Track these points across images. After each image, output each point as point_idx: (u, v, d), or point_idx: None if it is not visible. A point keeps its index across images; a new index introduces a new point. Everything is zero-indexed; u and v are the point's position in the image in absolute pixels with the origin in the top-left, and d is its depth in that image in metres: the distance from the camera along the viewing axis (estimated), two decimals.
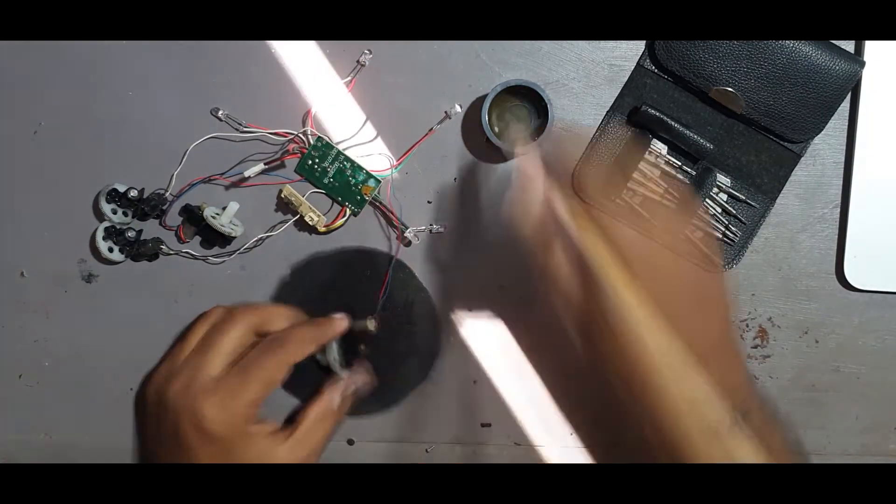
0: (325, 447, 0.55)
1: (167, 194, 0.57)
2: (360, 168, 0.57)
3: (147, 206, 0.57)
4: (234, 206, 0.56)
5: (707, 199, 0.58)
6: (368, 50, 0.57)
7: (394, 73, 0.58)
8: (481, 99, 0.57)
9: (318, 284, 0.58)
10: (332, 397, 0.54)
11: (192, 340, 0.54)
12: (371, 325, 0.56)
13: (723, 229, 0.58)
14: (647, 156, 0.58)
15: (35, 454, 0.59)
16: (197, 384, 0.51)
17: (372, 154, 0.58)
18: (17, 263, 0.59)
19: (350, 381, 0.56)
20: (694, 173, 0.58)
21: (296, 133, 0.57)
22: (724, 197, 0.58)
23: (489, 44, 0.58)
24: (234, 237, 0.57)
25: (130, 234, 0.56)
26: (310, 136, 0.57)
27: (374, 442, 0.59)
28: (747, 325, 0.59)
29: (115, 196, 0.56)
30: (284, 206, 0.57)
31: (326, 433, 0.54)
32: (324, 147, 0.57)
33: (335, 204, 0.58)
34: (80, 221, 0.58)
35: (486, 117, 0.54)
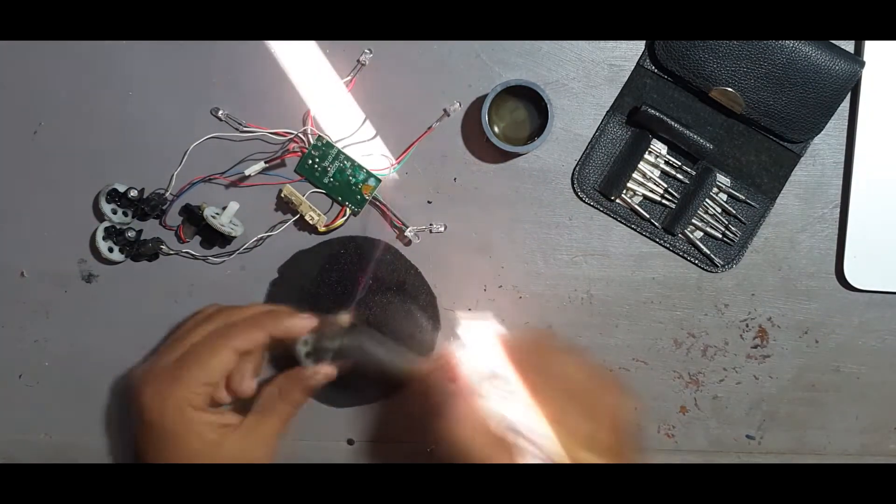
0: (277, 436, 0.52)
1: (167, 194, 0.57)
2: (360, 167, 0.57)
3: (147, 206, 0.57)
4: (233, 206, 0.56)
5: (707, 199, 0.58)
6: (369, 49, 0.57)
7: (394, 73, 0.58)
8: (481, 99, 0.57)
9: (309, 279, 0.58)
10: (284, 385, 0.52)
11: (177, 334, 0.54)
12: (344, 319, 0.55)
13: (723, 229, 0.58)
14: (647, 156, 0.58)
15: (35, 454, 0.59)
16: (153, 370, 0.51)
17: (372, 153, 0.58)
18: (17, 263, 0.59)
19: (306, 373, 0.52)
20: (694, 173, 0.58)
21: (296, 133, 0.57)
22: (724, 197, 0.58)
23: (489, 44, 0.58)
24: (234, 237, 0.57)
25: (130, 234, 0.56)
26: (310, 136, 0.57)
27: (374, 442, 0.59)
28: (747, 325, 0.59)
29: (115, 196, 0.56)
30: (284, 205, 0.57)
31: (277, 422, 0.52)
32: (324, 146, 0.57)
33: (335, 204, 0.58)
34: (80, 221, 0.58)
35: (486, 117, 0.54)
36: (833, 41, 0.55)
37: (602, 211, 0.58)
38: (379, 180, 0.57)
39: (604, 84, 0.58)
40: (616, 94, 0.58)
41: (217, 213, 0.56)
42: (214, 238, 0.57)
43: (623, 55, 0.58)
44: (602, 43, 0.58)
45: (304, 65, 0.57)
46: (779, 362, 0.60)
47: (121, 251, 0.57)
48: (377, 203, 0.58)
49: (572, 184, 0.58)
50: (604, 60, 0.58)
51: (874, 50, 0.57)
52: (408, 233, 0.57)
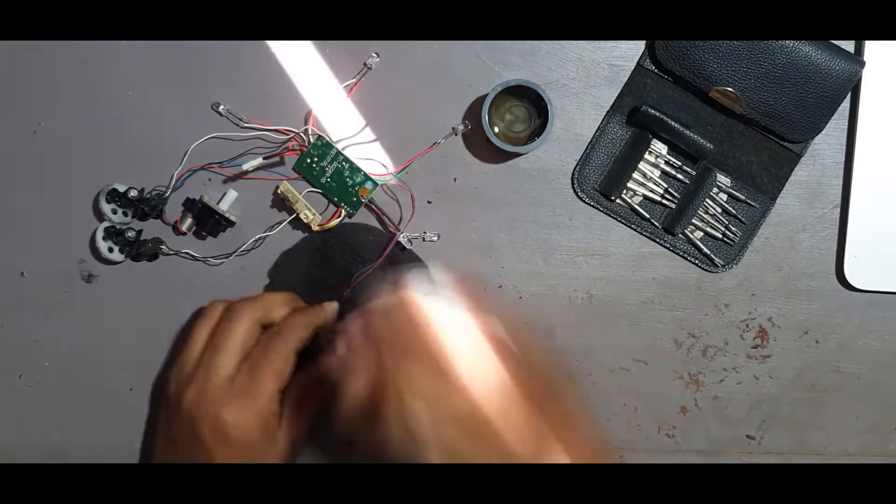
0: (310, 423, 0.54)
1: (167, 194, 0.57)
2: (359, 169, 0.57)
3: (147, 206, 0.57)
4: (232, 194, 0.57)
5: (707, 199, 0.58)
6: (376, 53, 0.57)
7: (394, 73, 0.58)
8: (481, 99, 0.57)
9: (298, 276, 0.58)
10: (310, 377, 0.53)
11: (198, 340, 0.54)
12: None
13: (723, 229, 0.58)
14: (647, 156, 0.58)
15: (35, 454, 0.59)
16: (212, 389, 0.51)
17: (370, 154, 0.58)
18: (17, 263, 0.59)
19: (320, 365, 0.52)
20: (694, 173, 0.58)
21: (296, 131, 0.57)
22: (724, 197, 0.58)
23: (489, 44, 0.58)
24: (234, 222, 0.57)
25: (130, 234, 0.56)
26: (310, 135, 0.57)
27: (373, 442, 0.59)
28: (747, 325, 0.59)
29: (115, 196, 0.56)
30: (280, 202, 0.57)
31: (311, 411, 0.54)
32: (323, 146, 0.57)
33: (331, 205, 0.58)
34: (80, 221, 0.58)
35: (486, 117, 0.54)
36: (833, 41, 0.55)
37: (602, 211, 0.58)
38: (376, 184, 0.57)
39: (604, 84, 0.58)
40: (616, 94, 0.58)
41: (215, 200, 0.56)
42: (211, 225, 0.57)
43: (623, 55, 0.58)
44: (602, 43, 0.58)
45: (306, 66, 0.57)
46: (779, 362, 0.60)
47: (121, 251, 0.57)
48: (373, 207, 0.57)
49: (572, 184, 0.58)
50: (604, 60, 0.58)
51: (874, 50, 0.57)
52: (401, 237, 0.57)
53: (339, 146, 0.57)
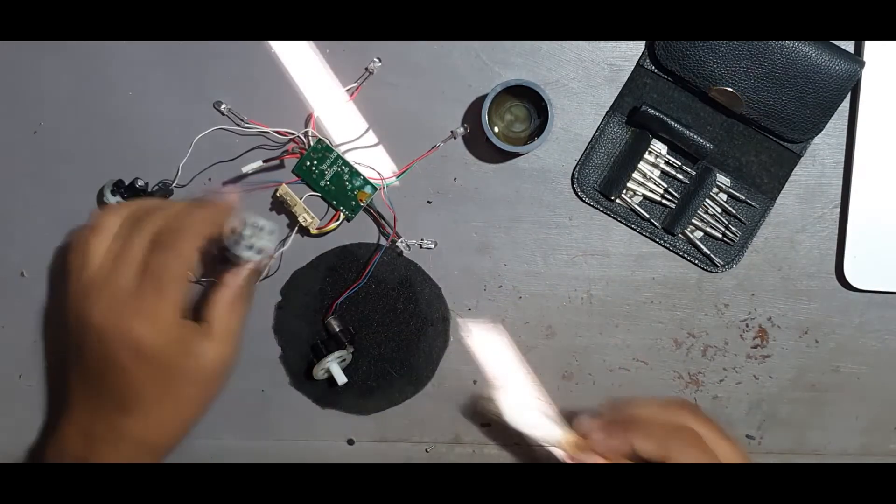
0: (241, 335, 0.51)
1: (173, 185, 0.57)
2: (358, 174, 0.57)
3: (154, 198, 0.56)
4: (268, 226, 0.52)
5: (707, 199, 0.58)
6: (378, 58, 0.57)
7: (394, 74, 0.58)
8: (481, 99, 0.57)
9: (311, 295, 0.58)
10: (235, 282, 0.50)
11: (93, 254, 0.49)
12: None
13: (723, 229, 0.58)
14: (646, 156, 0.58)
15: (35, 454, 0.59)
16: (120, 304, 0.47)
17: (371, 154, 0.58)
18: (17, 263, 0.59)
19: (249, 265, 0.51)
20: (694, 173, 0.58)
21: (296, 133, 0.57)
22: (724, 197, 0.58)
23: (489, 44, 0.58)
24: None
25: (140, 182, 0.56)
26: (310, 138, 0.57)
27: (374, 442, 0.59)
28: (747, 325, 0.59)
29: (120, 187, 0.56)
30: (279, 205, 0.57)
31: (239, 322, 0.51)
32: (323, 149, 0.56)
33: (330, 208, 0.58)
34: (81, 221, 0.58)
35: (486, 117, 0.54)
36: (833, 41, 0.55)
37: (602, 211, 0.58)
38: (375, 188, 0.57)
39: (604, 84, 0.58)
40: (616, 94, 0.58)
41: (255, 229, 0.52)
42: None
43: (623, 55, 0.58)
44: (602, 43, 0.58)
45: (307, 66, 0.57)
46: (779, 362, 0.60)
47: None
48: (371, 211, 0.57)
49: (572, 184, 0.58)
50: (604, 60, 0.58)
51: (874, 50, 0.57)
52: (399, 243, 0.57)
53: (340, 149, 0.57)
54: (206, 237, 0.49)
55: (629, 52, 0.58)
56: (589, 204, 0.58)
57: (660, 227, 0.58)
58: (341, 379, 0.56)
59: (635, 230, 0.58)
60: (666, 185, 0.58)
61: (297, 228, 0.57)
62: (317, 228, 0.56)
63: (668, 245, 0.58)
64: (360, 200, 0.57)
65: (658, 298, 0.59)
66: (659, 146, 0.58)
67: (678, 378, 0.60)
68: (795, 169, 0.58)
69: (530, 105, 0.56)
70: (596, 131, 0.58)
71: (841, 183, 0.59)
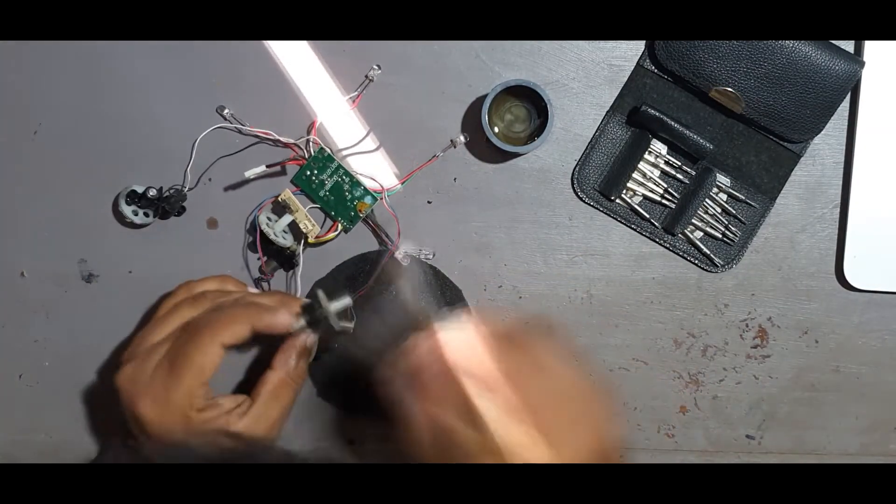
0: (285, 420, 0.52)
1: (185, 190, 0.57)
2: (359, 184, 0.56)
3: (167, 205, 0.56)
4: (287, 219, 0.55)
5: (707, 199, 0.58)
6: (377, 65, 0.57)
7: (394, 74, 0.58)
8: (481, 99, 0.57)
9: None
10: (286, 363, 0.51)
11: (152, 320, 0.52)
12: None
13: (723, 229, 0.58)
14: (647, 156, 0.58)
15: (35, 454, 0.59)
16: (139, 377, 0.49)
17: (372, 155, 0.58)
18: (17, 263, 0.59)
19: (297, 342, 0.51)
20: (694, 173, 0.58)
21: (294, 142, 0.56)
22: (724, 197, 0.58)
23: (489, 44, 0.58)
24: (288, 248, 0.56)
25: (152, 192, 0.56)
26: (311, 147, 0.56)
27: (373, 442, 0.59)
28: (747, 325, 0.59)
29: (134, 198, 0.56)
30: (281, 209, 0.57)
31: (285, 405, 0.52)
32: (324, 159, 0.56)
33: (328, 218, 0.58)
34: (80, 221, 0.58)
35: (486, 117, 0.54)
36: (833, 41, 0.55)
37: (602, 211, 0.58)
38: (376, 199, 0.56)
39: (604, 84, 0.58)
40: (616, 94, 0.58)
41: (270, 219, 0.55)
42: (284, 259, 0.57)
43: (623, 55, 0.58)
44: (602, 43, 0.58)
45: (307, 67, 0.57)
46: (779, 362, 0.60)
47: (145, 214, 0.57)
48: (370, 223, 0.57)
49: (572, 184, 0.58)
50: (604, 60, 0.58)
51: (874, 50, 0.57)
52: (398, 254, 0.57)
53: (341, 154, 0.57)
54: (238, 335, 0.50)
55: (629, 52, 0.58)
56: (589, 204, 0.58)
57: (660, 227, 0.58)
58: (340, 325, 0.52)
59: (635, 230, 0.58)
60: (666, 185, 0.58)
61: (301, 242, 0.57)
62: (315, 237, 0.56)
63: (668, 245, 0.58)
64: (360, 211, 0.56)
65: (658, 298, 0.59)
66: (659, 146, 0.58)
67: (678, 378, 0.60)
68: (795, 169, 0.58)
69: (530, 105, 0.56)
70: (596, 131, 0.58)
71: (841, 183, 0.59)
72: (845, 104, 0.58)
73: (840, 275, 0.59)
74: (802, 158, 0.58)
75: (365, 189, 0.57)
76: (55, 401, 0.59)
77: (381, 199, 0.57)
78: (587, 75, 0.58)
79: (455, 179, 0.58)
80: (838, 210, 0.59)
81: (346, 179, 0.56)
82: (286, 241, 0.56)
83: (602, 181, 0.58)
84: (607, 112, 0.58)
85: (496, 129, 0.56)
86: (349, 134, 0.58)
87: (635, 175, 0.58)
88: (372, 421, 0.59)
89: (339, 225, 0.57)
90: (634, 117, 0.57)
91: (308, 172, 0.57)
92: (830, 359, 0.60)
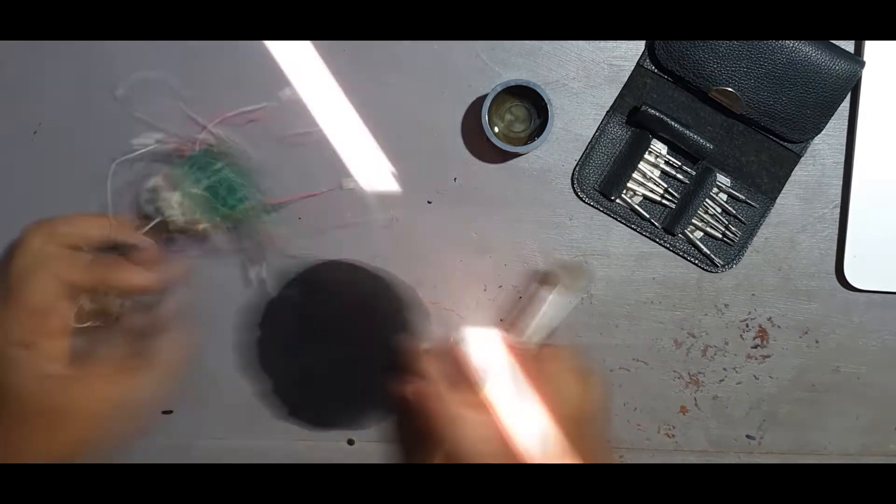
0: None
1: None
2: (236, 190, 0.55)
3: None
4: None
5: (707, 199, 0.58)
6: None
7: (394, 74, 0.58)
8: (481, 99, 0.57)
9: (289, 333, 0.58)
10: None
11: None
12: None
13: (723, 229, 0.58)
14: (647, 156, 0.58)
15: None
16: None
17: (369, 154, 0.58)
18: None
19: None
20: (694, 173, 0.58)
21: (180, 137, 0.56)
22: (724, 197, 0.58)
23: (489, 44, 0.58)
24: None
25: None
26: (199, 143, 0.55)
27: (374, 442, 0.59)
28: (747, 325, 0.59)
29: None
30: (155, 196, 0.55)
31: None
32: (207, 160, 0.55)
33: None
34: None
35: (486, 117, 0.54)
36: (833, 41, 0.55)
37: (602, 211, 0.58)
38: (268, 213, 0.55)
39: (604, 84, 0.58)
40: (616, 94, 0.58)
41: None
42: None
43: (623, 55, 0.58)
44: (602, 43, 0.58)
45: (307, 67, 0.57)
46: (779, 362, 0.60)
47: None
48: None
49: (572, 184, 0.58)
50: (604, 60, 0.58)
51: (874, 50, 0.57)
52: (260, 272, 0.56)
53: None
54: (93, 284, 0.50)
55: (629, 52, 0.58)
56: (589, 204, 0.58)
57: (660, 227, 0.58)
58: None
59: (635, 230, 0.58)
60: (666, 185, 0.58)
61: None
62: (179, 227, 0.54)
63: (668, 245, 0.58)
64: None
65: (658, 298, 0.59)
66: (659, 146, 0.58)
67: (678, 378, 0.60)
68: (795, 169, 0.58)
69: (530, 105, 0.56)
70: (596, 131, 0.58)
71: (841, 183, 0.59)
72: (845, 104, 0.58)
73: (840, 275, 0.59)
74: (802, 158, 0.58)
75: (242, 198, 0.55)
76: None
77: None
78: (587, 75, 0.58)
79: (455, 179, 0.58)
80: (838, 210, 0.59)
81: (224, 185, 0.54)
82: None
83: (602, 181, 0.58)
84: (607, 112, 0.58)
85: (496, 129, 0.56)
86: (346, 132, 0.57)
87: (635, 175, 0.58)
88: (371, 421, 0.59)
89: (203, 224, 0.55)
90: (634, 117, 0.57)
91: (189, 167, 0.54)
92: (830, 359, 0.60)
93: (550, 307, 0.54)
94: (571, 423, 0.49)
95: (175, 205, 0.53)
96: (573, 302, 0.55)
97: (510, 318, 0.57)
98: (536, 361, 0.52)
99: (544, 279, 0.55)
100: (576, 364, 0.52)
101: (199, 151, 0.56)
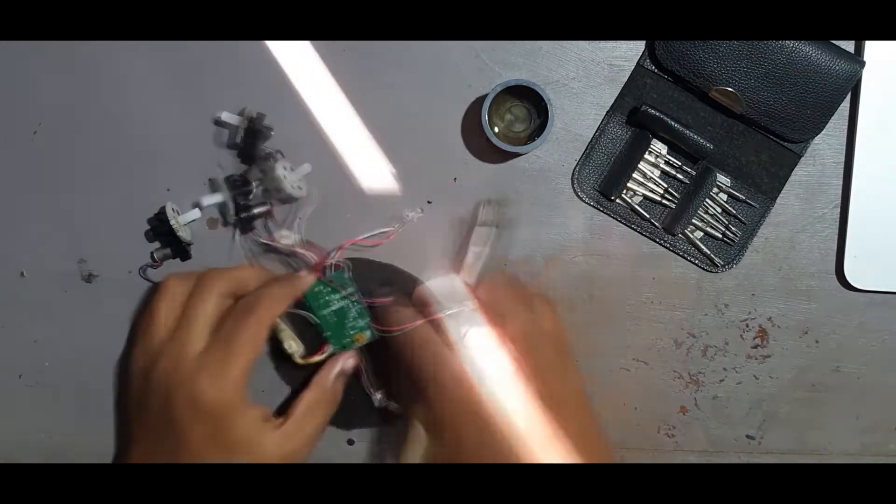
0: (318, 438, 0.53)
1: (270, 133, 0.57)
2: (365, 315, 0.54)
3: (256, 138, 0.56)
4: (306, 167, 0.56)
5: (707, 199, 0.58)
6: (421, 209, 0.57)
7: (394, 74, 0.58)
8: (481, 99, 0.57)
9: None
10: (324, 382, 0.53)
11: (162, 315, 0.52)
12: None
13: (723, 229, 0.58)
14: (647, 156, 0.58)
15: (35, 454, 0.59)
16: (185, 363, 0.50)
17: (368, 155, 0.58)
18: (17, 263, 0.59)
19: (337, 362, 0.54)
20: (694, 173, 0.58)
21: (317, 257, 0.56)
22: (724, 197, 0.58)
23: (489, 44, 0.58)
24: (189, 242, 0.56)
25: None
26: (333, 265, 0.55)
27: (374, 442, 0.59)
28: (747, 325, 0.59)
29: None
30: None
31: (319, 423, 0.53)
32: (341, 282, 0.54)
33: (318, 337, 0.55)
34: (80, 221, 0.58)
35: (486, 117, 0.54)
36: (833, 41, 0.55)
37: (602, 211, 0.58)
38: (375, 335, 0.54)
39: (604, 84, 0.58)
40: (616, 94, 0.58)
41: (287, 168, 0.55)
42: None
43: (623, 55, 0.58)
44: (602, 43, 0.58)
45: (306, 67, 0.57)
46: (779, 362, 0.60)
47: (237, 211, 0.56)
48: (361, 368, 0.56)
49: (572, 184, 0.58)
50: (604, 60, 0.58)
51: (874, 50, 0.57)
52: (376, 399, 0.56)
53: (348, 168, 0.56)
54: (282, 310, 0.52)
55: (629, 52, 0.58)
56: (589, 204, 0.58)
57: (660, 227, 0.58)
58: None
59: (635, 230, 0.58)
60: (666, 185, 0.58)
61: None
62: (301, 358, 0.55)
63: (668, 245, 0.58)
64: (356, 341, 0.54)
65: (658, 298, 0.59)
66: (659, 146, 0.58)
67: (678, 378, 0.60)
68: (795, 169, 0.58)
69: (530, 105, 0.56)
70: (596, 131, 0.58)
71: (841, 183, 0.59)
72: (845, 104, 0.58)
73: (840, 275, 0.59)
74: (802, 158, 0.58)
75: (368, 323, 0.54)
76: (55, 401, 0.59)
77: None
78: (587, 75, 0.58)
79: (455, 179, 0.58)
80: (838, 210, 0.59)
81: (354, 307, 0.54)
82: (186, 234, 0.56)
83: (602, 181, 0.58)
84: (607, 112, 0.58)
85: (496, 129, 0.56)
86: (345, 132, 0.57)
87: (635, 175, 0.58)
88: (372, 420, 0.59)
89: (330, 347, 0.54)
90: (634, 117, 0.57)
91: (321, 287, 0.54)
92: (831, 359, 0.60)
93: (477, 243, 0.56)
94: (537, 355, 0.51)
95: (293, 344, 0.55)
96: (497, 234, 0.57)
97: (457, 259, 0.57)
98: (481, 294, 0.53)
99: (473, 219, 0.57)
100: (517, 292, 0.54)
101: (335, 273, 0.55)
